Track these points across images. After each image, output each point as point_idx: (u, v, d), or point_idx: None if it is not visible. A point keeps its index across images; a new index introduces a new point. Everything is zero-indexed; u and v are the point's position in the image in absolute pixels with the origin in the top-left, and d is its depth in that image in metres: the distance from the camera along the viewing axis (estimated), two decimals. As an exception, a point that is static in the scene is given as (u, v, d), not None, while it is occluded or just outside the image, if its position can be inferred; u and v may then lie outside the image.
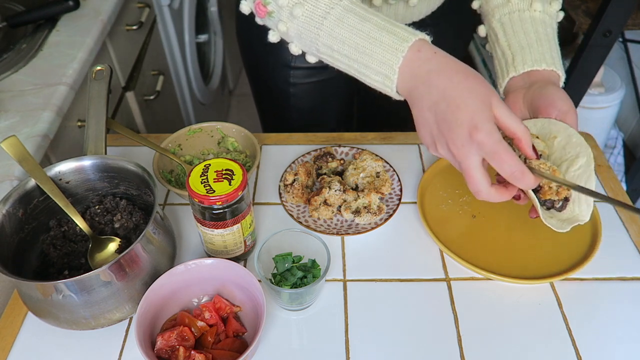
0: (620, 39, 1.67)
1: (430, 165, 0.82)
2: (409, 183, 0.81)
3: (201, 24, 1.86)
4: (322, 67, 0.97)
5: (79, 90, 0.93)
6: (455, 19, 0.92)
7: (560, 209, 0.59)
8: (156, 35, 1.48)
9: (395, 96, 0.57)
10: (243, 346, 0.60)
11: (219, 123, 0.82)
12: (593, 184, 0.57)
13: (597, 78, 1.55)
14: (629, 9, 1.14)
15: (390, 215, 0.73)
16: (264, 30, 0.96)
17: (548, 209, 0.60)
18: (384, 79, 0.55)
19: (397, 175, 0.79)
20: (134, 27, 1.23)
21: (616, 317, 0.64)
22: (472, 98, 0.50)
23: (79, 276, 0.52)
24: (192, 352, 0.56)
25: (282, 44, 0.94)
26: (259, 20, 0.65)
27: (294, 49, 0.63)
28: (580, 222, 0.58)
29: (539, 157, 0.57)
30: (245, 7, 0.64)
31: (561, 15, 0.69)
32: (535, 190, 0.58)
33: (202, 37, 1.92)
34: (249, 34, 0.99)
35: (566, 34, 1.88)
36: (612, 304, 0.65)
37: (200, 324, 0.60)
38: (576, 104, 1.40)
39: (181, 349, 0.56)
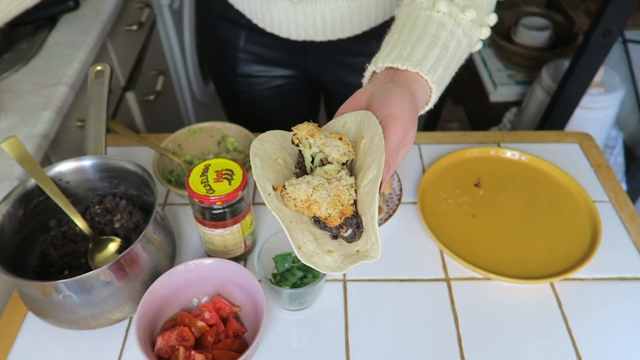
0: (620, 39, 1.67)
1: (430, 165, 0.82)
2: (409, 183, 0.81)
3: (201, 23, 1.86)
4: (270, 76, 0.97)
5: (79, 90, 0.93)
6: None
7: (351, 240, 0.43)
8: (156, 35, 1.48)
9: None
10: (243, 346, 0.60)
11: (219, 123, 0.82)
12: (375, 208, 0.40)
13: (597, 78, 1.54)
14: (629, 9, 1.14)
15: (390, 215, 0.73)
16: (211, 37, 0.95)
17: (334, 237, 0.44)
18: None
19: (397, 175, 0.79)
20: (134, 27, 1.23)
21: (616, 317, 0.64)
22: None
23: (79, 276, 0.52)
24: (192, 352, 0.56)
25: (228, 52, 0.93)
26: None
27: None
28: (369, 260, 0.41)
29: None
30: None
31: (485, 32, 0.57)
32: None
33: (202, 37, 1.92)
34: (207, 41, 1.00)
35: (566, 34, 1.88)
36: (612, 304, 0.65)
37: (200, 324, 0.60)
38: (576, 104, 1.40)
39: (181, 349, 0.56)
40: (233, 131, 0.82)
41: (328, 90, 1.03)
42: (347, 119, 0.49)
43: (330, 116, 1.14)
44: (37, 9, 1.01)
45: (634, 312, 0.64)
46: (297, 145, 0.47)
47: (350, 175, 0.44)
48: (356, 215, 0.43)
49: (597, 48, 1.22)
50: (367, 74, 0.55)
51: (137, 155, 0.85)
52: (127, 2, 1.22)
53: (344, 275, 0.68)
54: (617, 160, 1.69)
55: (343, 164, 0.45)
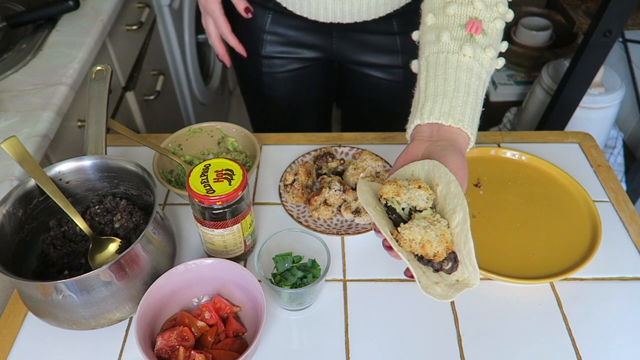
0: (620, 39, 1.67)
1: (430, 165, 0.82)
2: (409, 183, 0.81)
3: (201, 23, 1.86)
4: (292, 58, 0.98)
5: (79, 90, 0.93)
6: None
7: (450, 271, 0.50)
8: (156, 35, 1.48)
9: None
10: (243, 346, 0.60)
11: (219, 123, 0.82)
12: (471, 245, 0.48)
13: (597, 78, 1.54)
14: (629, 9, 1.14)
15: (390, 215, 0.73)
16: (237, 20, 0.95)
17: (436, 270, 0.51)
18: None
19: (397, 175, 0.79)
20: (134, 27, 1.23)
21: (616, 317, 0.64)
22: None
23: (79, 276, 0.52)
24: (192, 352, 0.56)
25: (253, 33, 0.94)
26: None
27: None
28: (470, 287, 0.49)
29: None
30: None
31: (501, 62, 0.62)
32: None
33: (202, 37, 1.92)
34: (230, 23, 1.00)
35: (566, 34, 1.88)
36: (612, 304, 0.65)
37: (200, 324, 0.60)
38: (576, 104, 1.40)
39: (181, 349, 0.56)
40: (233, 131, 0.82)
41: (344, 69, 1.05)
42: (414, 168, 0.55)
43: (342, 99, 1.17)
44: (37, 8, 1.02)
45: (634, 312, 0.64)
46: (386, 203, 0.54)
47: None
48: (452, 251, 0.50)
49: (597, 48, 1.22)
50: (412, 126, 0.59)
51: (137, 155, 0.85)
52: (127, 2, 1.22)
53: (344, 275, 0.68)
54: (617, 160, 1.69)
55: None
